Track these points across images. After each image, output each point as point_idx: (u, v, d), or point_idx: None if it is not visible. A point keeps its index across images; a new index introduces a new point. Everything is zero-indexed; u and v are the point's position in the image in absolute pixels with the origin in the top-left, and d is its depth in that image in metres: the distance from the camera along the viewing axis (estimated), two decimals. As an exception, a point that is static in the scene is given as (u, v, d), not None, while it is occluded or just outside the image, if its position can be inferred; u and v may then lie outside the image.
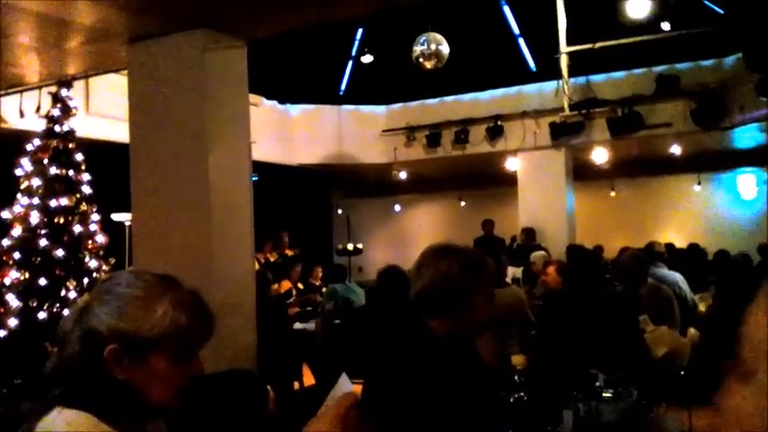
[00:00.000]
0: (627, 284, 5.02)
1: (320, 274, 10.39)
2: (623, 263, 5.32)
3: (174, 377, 1.47)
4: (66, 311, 6.75)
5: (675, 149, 11.92)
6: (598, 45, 10.39)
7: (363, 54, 12.73)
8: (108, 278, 1.53)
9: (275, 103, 12.65)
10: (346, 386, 1.62)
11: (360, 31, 13.48)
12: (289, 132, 12.92)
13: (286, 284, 9.54)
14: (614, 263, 6.90)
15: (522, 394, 2.15)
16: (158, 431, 1.57)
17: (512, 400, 2.13)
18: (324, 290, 9.43)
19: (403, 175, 13.93)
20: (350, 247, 14.10)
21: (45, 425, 1.36)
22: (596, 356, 3.10)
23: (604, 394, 2.51)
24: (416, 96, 12.79)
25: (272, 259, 10.79)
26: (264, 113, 11.41)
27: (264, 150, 10.41)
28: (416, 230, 16.12)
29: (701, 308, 6.73)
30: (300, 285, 9.97)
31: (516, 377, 2.17)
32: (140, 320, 1.43)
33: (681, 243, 11.16)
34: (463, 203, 16.18)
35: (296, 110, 13.17)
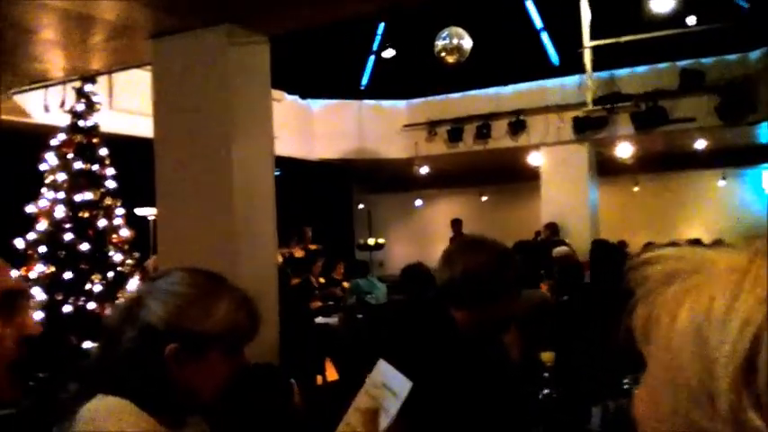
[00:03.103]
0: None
1: (342, 270, 10.39)
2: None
3: (224, 374, 1.50)
4: (91, 305, 6.85)
5: (700, 144, 11.82)
6: (623, 39, 10.30)
7: (385, 49, 12.70)
8: (160, 276, 1.55)
9: (297, 98, 12.67)
10: (387, 371, 1.62)
11: (381, 25, 13.46)
12: (310, 127, 12.94)
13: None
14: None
15: (550, 391, 2.14)
16: (197, 423, 1.59)
17: (541, 396, 2.12)
18: (345, 284, 9.45)
19: (424, 170, 13.89)
20: (371, 242, 14.14)
21: (86, 411, 1.38)
22: (622, 354, 3.07)
23: (635, 392, 2.48)
24: (438, 91, 12.73)
25: (296, 255, 10.81)
26: (286, 108, 11.42)
27: (286, 145, 10.42)
28: (437, 226, 16.08)
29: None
30: (322, 280, 9.98)
31: (546, 374, 2.15)
32: (203, 320, 1.45)
33: (704, 239, 11.06)
34: (485, 198, 16.13)
35: (317, 105, 13.18)
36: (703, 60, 10.40)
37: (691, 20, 10.10)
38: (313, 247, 11.22)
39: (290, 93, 12.14)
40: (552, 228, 11.30)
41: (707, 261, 0.59)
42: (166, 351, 1.42)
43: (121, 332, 1.45)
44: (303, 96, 12.86)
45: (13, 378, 1.17)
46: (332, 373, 7.22)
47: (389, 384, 1.60)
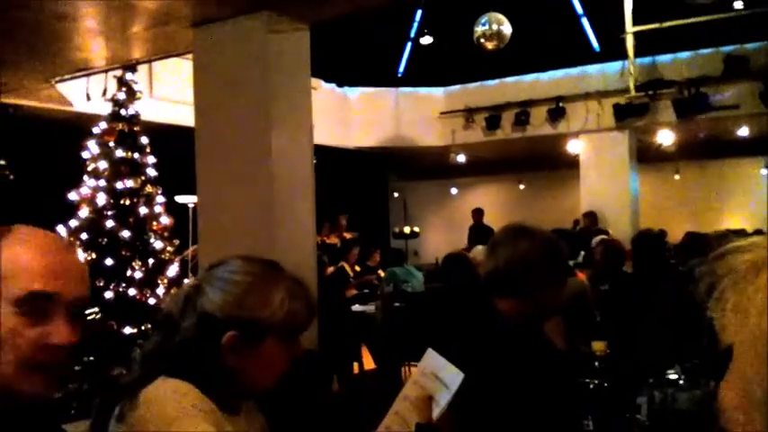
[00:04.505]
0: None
1: (377, 258, 10.38)
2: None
3: (281, 361, 1.52)
4: (131, 291, 6.94)
5: (743, 132, 11.58)
6: (666, 24, 10.10)
7: (422, 35, 12.63)
8: (218, 264, 1.56)
9: (334, 86, 12.67)
10: (437, 361, 1.61)
11: (419, 12, 13.37)
12: (347, 115, 12.94)
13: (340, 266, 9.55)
14: (679, 247, 6.74)
15: (600, 381, 2.10)
16: (251, 408, 1.61)
17: (592, 386, 2.09)
18: (380, 273, 9.44)
19: (461, 157, 13.80)
20: (406, 230, 14.09)
21: (149, 391, 1.40)
22: (668, 344, 3.03)
23: (680, 382, 2.45)
24: (475, 78, 12.62)
25: (329, 242, 10.82)
26: (323, 97, 11.42)
27: (322, 133, 10.42)
28: (473, 214, 16.01)
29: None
30: (357, 268, 9.98)
31: (597, 363, 2.11)
32: (260, 308, 1.47)
33: (746, 228, 10.86)
34: (522, 186, 16.00)
35: (354, 93, 13.17)
36: (748, 46, 10.16)
37: (738, 4, 9.87)
38: (348, 235, 11.23)
39: (326, 81, 12.14)
40: (591, 217, 11.17)
41: None
42: (224, 339, 1.44)
43: (181, 320, 1.47)
44: (340, 84, 12.86)
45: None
46: (368, 361, 7.23)
47: (440, 375, 1.59)
